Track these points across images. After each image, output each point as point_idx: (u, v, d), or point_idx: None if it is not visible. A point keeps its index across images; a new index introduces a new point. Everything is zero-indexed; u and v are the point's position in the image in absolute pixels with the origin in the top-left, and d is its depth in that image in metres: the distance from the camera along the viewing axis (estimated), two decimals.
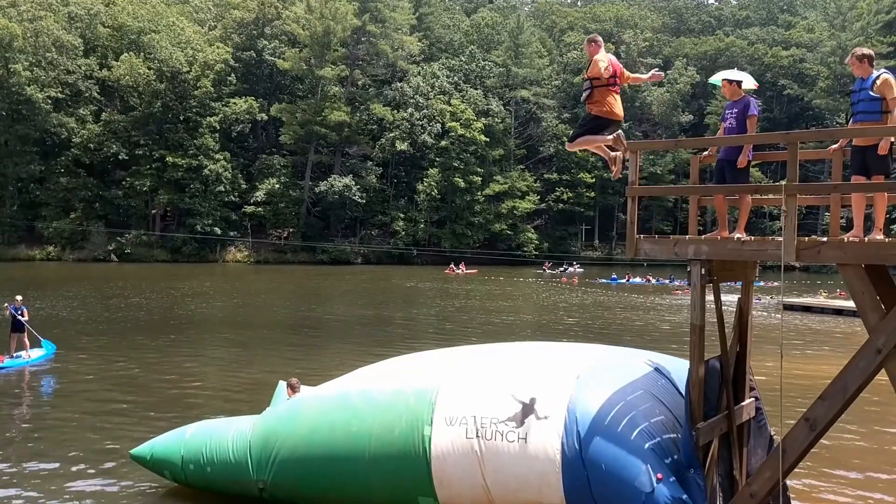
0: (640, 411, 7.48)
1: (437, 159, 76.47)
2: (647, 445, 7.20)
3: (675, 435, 7.37)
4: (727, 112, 8.19)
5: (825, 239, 6.78)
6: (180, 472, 9.97)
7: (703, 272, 7.29)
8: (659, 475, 7.00)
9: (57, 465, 10.92)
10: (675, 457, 7.22)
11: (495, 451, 7.68)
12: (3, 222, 67.94)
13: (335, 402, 9.03)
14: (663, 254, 7.75)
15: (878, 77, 7.06)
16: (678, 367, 8.40)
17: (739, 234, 7.54)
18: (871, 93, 7.07)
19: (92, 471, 10.75)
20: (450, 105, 77.80)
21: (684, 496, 6.95)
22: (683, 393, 7.56)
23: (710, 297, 7.61)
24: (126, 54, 69.86)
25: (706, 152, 8.60)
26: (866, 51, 7.33)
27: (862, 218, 7.09)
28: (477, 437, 7.81)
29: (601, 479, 7.19)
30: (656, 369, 8.27)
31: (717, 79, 8.50)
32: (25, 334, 19.05)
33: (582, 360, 8.49)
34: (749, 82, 8.42)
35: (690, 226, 8.36)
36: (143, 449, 10.48)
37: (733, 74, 8.32)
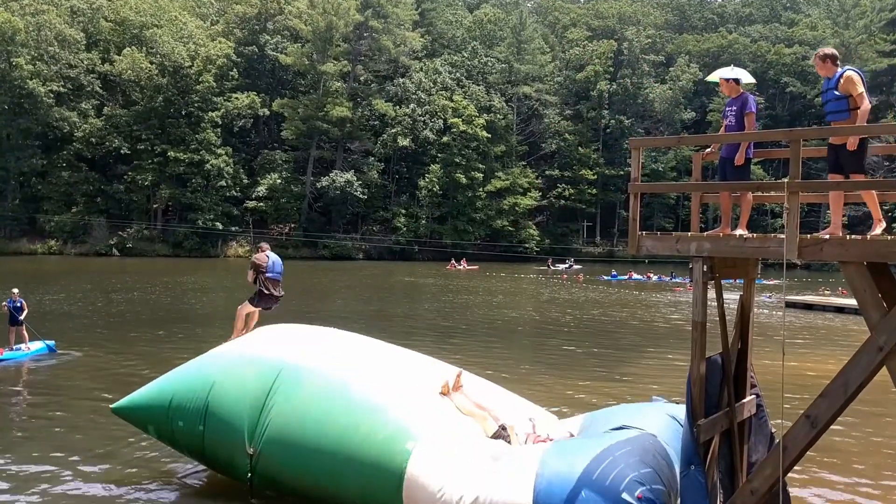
0: (625, 447, 7.64)
1: (439, 155, 76.46)
2: (626, 473, 7.23)
3: (657, 474, 7.39)
4: (727, 109, 8.20)
5: (828, 236, 6.77)
6: (166, 429, 9.57)
7: (705, 269, 7.29)
8: (639, 493, 7.05)
9: (53, 458, 10.89)
10: (656, 486, 7.26)
11: (469, 479, 7.71)
12: (5, 216, 68.00)
13: (334, 390, 8.97)
14: (665, 251, 7.75)
15: (841, 75, 7.08)
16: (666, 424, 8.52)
17: (742, 231, 7.54)
18: (836, 92, 7.09)
19: (89, 464, 10.72)
20: (452, 101, 77.77)
21: None
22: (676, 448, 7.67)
23: (711, 294, 7.63)
24: (128, 49, 69.89)
25: (708, 149, 8.60)
26: (829, 50, 7.35)
27: (840, 215, 7.11)
28: (454, 462, 7.89)
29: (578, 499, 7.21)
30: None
31: (714, 77, 8.50)
32: (24, 327, 19.08)
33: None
34: (746, 79, 8.41)
35: (693, 223, 8.37)
36: (126, 401, 10.07)
37: (730, 72, 8.31)
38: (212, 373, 9.67)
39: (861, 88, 7.00)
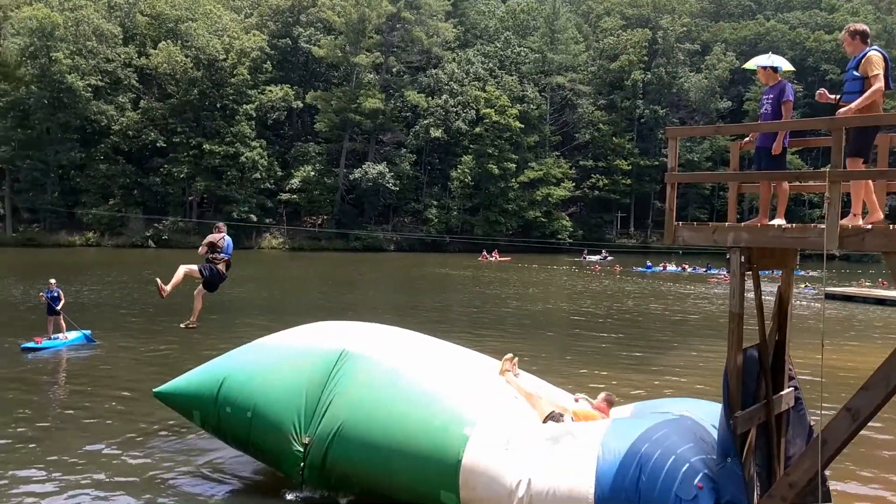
0: (679, 430, 7.64)
1: (472, 146, 76.30)
2: (687, 456, 7.22)
3: (713, 457, 7.33)
4: (764, 98, 8.05)
5: (869, 226, 6.63)
6: (212, 415, 9.53)
7: (742, 260, 7.20)
8: (699, 484, 6.99)
9: (88, 445, 11.10)
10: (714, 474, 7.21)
11: (528, 464, 7.74)
12: (45, 209, 69.30)
13: (387, 378, 9.02)
14: (702, 241, 7.66)
15: (864, 55, 6.88)
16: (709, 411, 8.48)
17: (780, 221, 7.41)
18: (855, 72, 6.90)
19: (123, 452, 10.89)
20: (484, 91, 77.50)
21: (734, 498, 6.91)
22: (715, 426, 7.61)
23: (748, 285, 7.53)
24: (164, 42, 70.64)
25: (747, 138, 8.45)
26: (860, 27, 7.13)
27: (860, 203, 6.92)
28: (512, 447, 7.94)
29: (638, 490, 7.17)
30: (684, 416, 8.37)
31: (751, 64, 8.34)
32: (61, 316, 19.46)
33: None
34: (784, 66, 8.25)
35: (730, 213, 8.25)
36: (170, 385, 10.05)
37: (767, 60, 8.15)
38: (264, 361, 9.71)
39: (878, 70, 6.78)
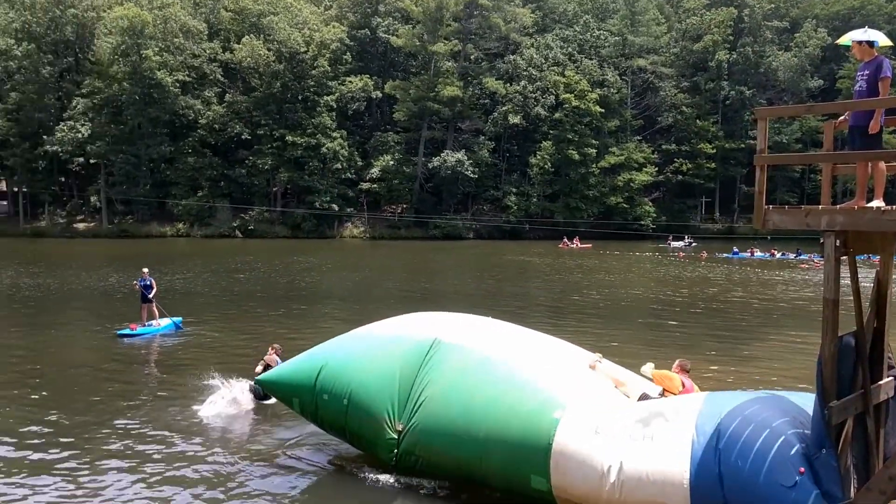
0: (775, 413, 7.37)
1: (551, 132, 75.58)
2: (785, 439, 6.97)
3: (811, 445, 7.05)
4: (858, 74, 7.66)
5: None
6: (310, 402, 9.81)
7: (837, 244, 6.91)
8: (801, 469, 6.76)
9: (175, 428, 11.55)
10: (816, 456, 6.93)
11: (619, 447, 7.66)
12: (138, 201, 72.17)
13: (478, 365, 9.10)
14: (794, 225, 7.38)
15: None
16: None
17: (879, 203, 7.07)
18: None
19: (209, 438, 11.28)
20: (564, 76, 76.58)
21: (829, 490, 6.66)
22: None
23: (844, 271, 7.22)
24: (247, 37, 72.41)
25: (841, 118, 8.08)
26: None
27: None
28: (603, 430, 7.89)
29: (735, 474, 6.97)
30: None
31: (846, 40, 7.95)
32: (154, 304, 20.23)
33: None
34: (882, 41, 7.83)
35: (823, 195, 7.91)
36: (272, 373, 10.45)
37: (863, 34, 7.74)
38: (359, 350, 9.95)
39: None
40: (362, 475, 9.51)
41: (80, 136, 69.28)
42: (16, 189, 76.87)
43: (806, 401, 8.04)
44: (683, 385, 8.97)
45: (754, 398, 7.74)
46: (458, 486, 8.98)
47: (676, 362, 9.31)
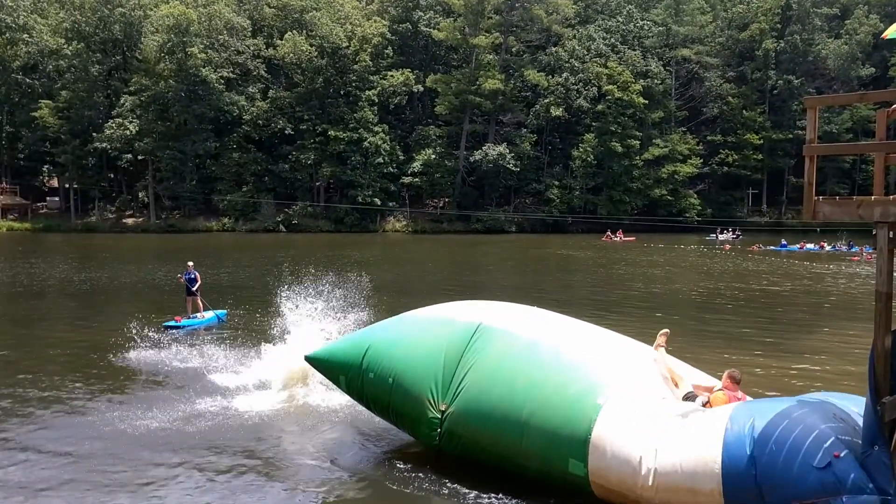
0: (814, 410, 7.29)
1: (594, 124, 74.95)
2: (821, 430, 6.89)
3: (851, 438, 6.92)
4: None
5: None
6: (357, 379, 9.95)
7: (890, 236, 6.73)
8: (836, 453, 6.65)
9: (216, 419, 11.67)
10: (853, 444, 6.81)
11: (656, 436, 7.69)
12: (185, 196, 73.47)
13: (524, 349, 9.14)
14: (845, 217, 7.21)
15: None
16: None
17: None
18: None
19: (252, 432, 11.30)
20: (606, 68, 75.84)
21: (866, 477, 6.52)
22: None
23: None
24: (290, 33, 73.10)
25: (894, 105, 7.85)
26: None
27: None
28: (642, 418, 7.92)
29: (769, 459, 6.89)
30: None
31: (893, 32, 7.70)
32: (199, 297, 20.56)
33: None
34: None
35: (876, 186, 7.68)
36: (320, 351, 10.62)
37: None
38: (408, 330, 10.12)
39: None
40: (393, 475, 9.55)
41: (128, 133, 70.75)
42: (67, 185, 78.88)
43: (849, 403, 7.87)
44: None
45: (794, 400, 7.70)
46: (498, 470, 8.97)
47: (725, 374, 8.76)
